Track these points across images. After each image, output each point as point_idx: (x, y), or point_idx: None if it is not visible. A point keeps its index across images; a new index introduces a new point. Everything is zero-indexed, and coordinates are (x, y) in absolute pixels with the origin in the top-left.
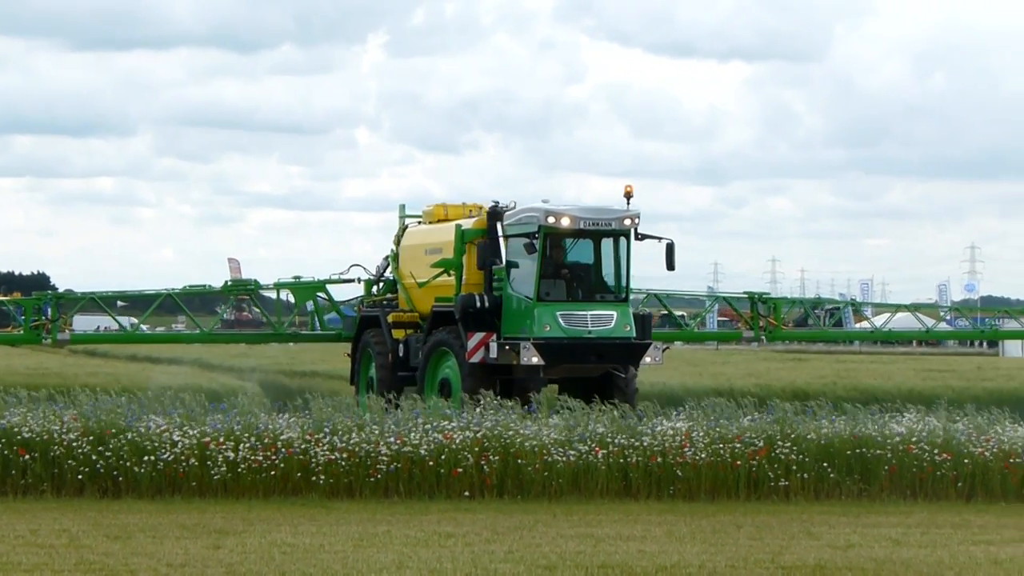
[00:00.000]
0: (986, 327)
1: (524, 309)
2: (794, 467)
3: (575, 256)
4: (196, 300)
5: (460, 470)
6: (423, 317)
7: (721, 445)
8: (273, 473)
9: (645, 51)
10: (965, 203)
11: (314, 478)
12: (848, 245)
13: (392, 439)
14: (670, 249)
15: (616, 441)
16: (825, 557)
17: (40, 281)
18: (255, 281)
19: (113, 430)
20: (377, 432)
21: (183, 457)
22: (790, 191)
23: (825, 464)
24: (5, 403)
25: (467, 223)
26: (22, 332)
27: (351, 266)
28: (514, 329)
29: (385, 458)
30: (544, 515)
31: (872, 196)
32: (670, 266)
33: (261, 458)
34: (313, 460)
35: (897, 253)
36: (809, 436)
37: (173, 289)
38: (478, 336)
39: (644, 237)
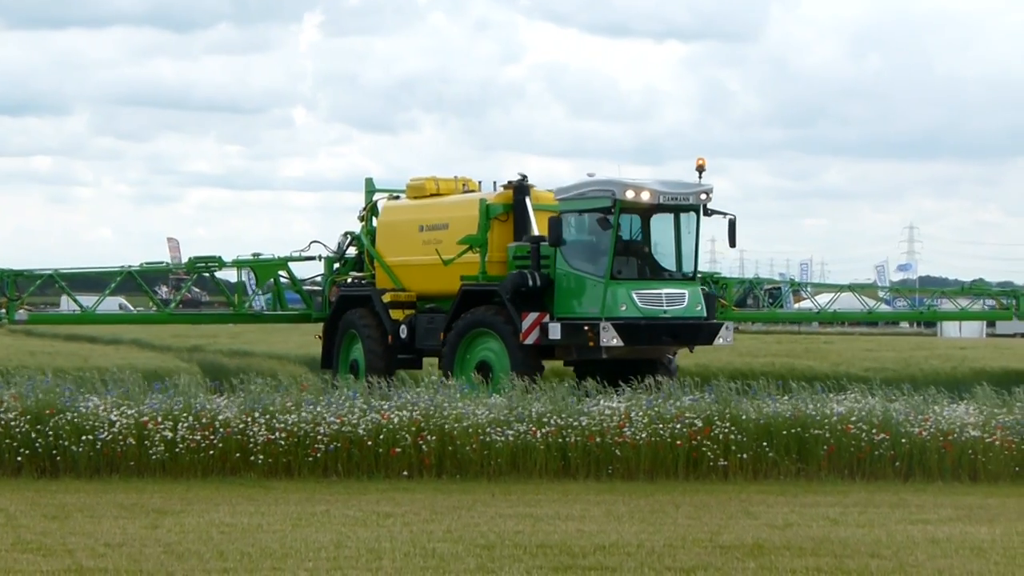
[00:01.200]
0: (924, 308)
1: (592, 288)
2: (733, 447)
3: (644, 232)
4: (133, 281)
5: (399, 450)
6: (420, 297)
7: (660, 425)
8: (211, 453)
9: (581, 31)
10: (902, 183)
11: (252, 458)
12: (786, 225)
13: (331, 419)
14: (732, 225)
15: (554, 421)
16: (763, 536)
17: None
18: (219, 258)
19: (51, 410)
20: (316, 412)
21: (121, 437)
22: (727, 171)
23: (764, 444)
24: None
25: (490, 197)
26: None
27: (311, 242)
28: (569, 309)
29: (324, 438)
30: (482, 495)
31: (809, 176)
32: (732, 242)
33: (199, 438)
34: (251, 440)
35: (835, 233)
36: (749, 416)
37: (132, 266)
38: (532, 316)
39: (711, 212)
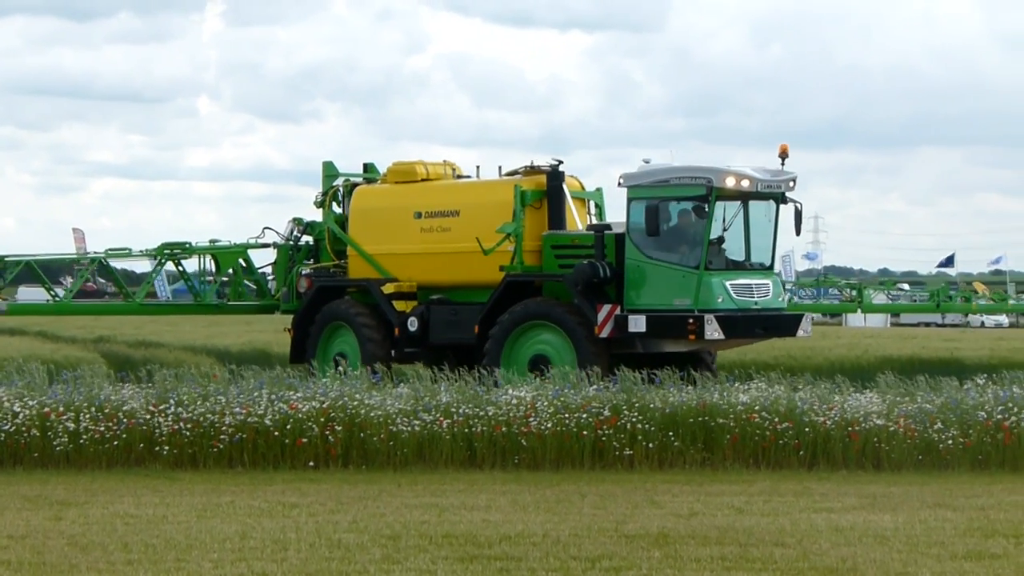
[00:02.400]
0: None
1: (682, 279)
2: (639, 436)
3: (729, 221)
4: (30, 273)
5: (305, 440)
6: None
7: (566, 415)
8: (116, 444)
9: (485, 21)
10: (806, 173)
11: (157, 448)
12: None
13: (238, 409)
14: (799, 213)
15: (461, 411)
16: (668, 525)
17: None
18: (187, 244)
19: None
20: (223, 402)
21: (24, 428)
22: (632, 160)
23: (670, 433)
24: None
25: (523, 183)
26: None
27: (264, 229)
28: (645, 301)
29: (230, 428)
30: (389, 485)
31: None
32: (798, 231)
33: (103, 429)
34: (157, 430)
35: None
36: (655, 405)
37: (98, 254)
38: (606, 308)
39: (787, 201)
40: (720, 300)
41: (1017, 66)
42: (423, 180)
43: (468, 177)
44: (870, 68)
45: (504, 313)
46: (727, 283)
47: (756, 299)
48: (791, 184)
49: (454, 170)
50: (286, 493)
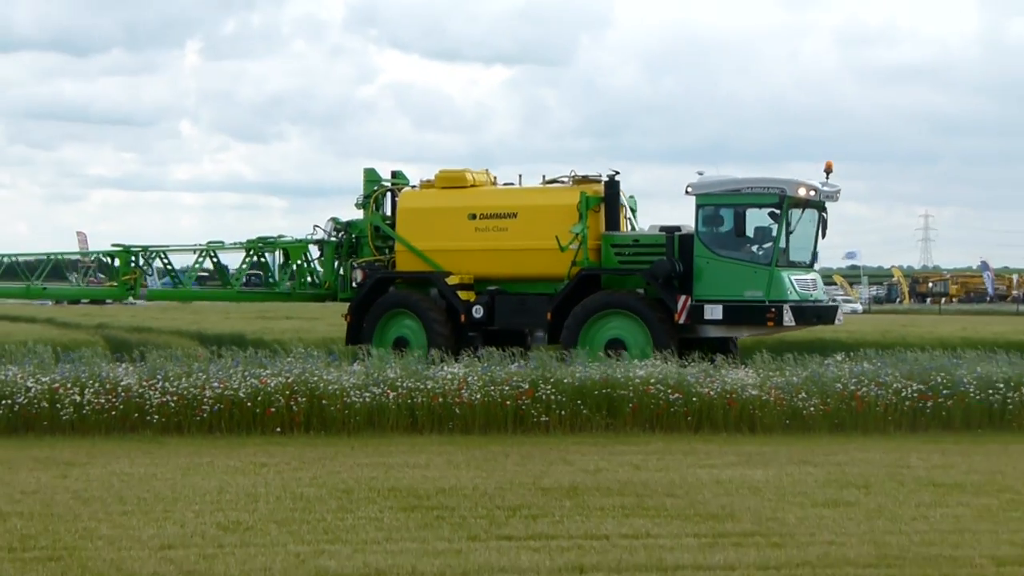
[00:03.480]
0: None
1: (754, 274)
2: (553, 405)
3: (793, 224)
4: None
5: (273, 410)
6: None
7: (492, 387)
8: (114, 413)
9: (422, 56)
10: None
11: (148, 418)
12: None
13: (216, 384)
14: (825, 221)
15: (404, 385)
16: (578, 479)
17: None
18: (275, 238)
19: None
20: (203, 378)
21: (35, 401)
22: (545, 172)
23: (579, 402)
24: None
25: (588, 191)
26: (115, 286)
27: (315, 227)
28: (716, 292)
29: (210, 400)
30: (343, 447)
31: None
32: (824, 234)
33: (103, 401)
34: (148, 402)
35: None
36: (567, 380)
37: (200, 246)
38: (682, 298)
39: (826, 209)
40: (789, 293)
41: (867, 95)
42: (473, 185)
43: (511, 184)
44: (746, 97)
45: (577, 302)
46: (793, 278)
47: (812, 292)
48: (838, 195)
49: (494, 179)
50: (257, 455)
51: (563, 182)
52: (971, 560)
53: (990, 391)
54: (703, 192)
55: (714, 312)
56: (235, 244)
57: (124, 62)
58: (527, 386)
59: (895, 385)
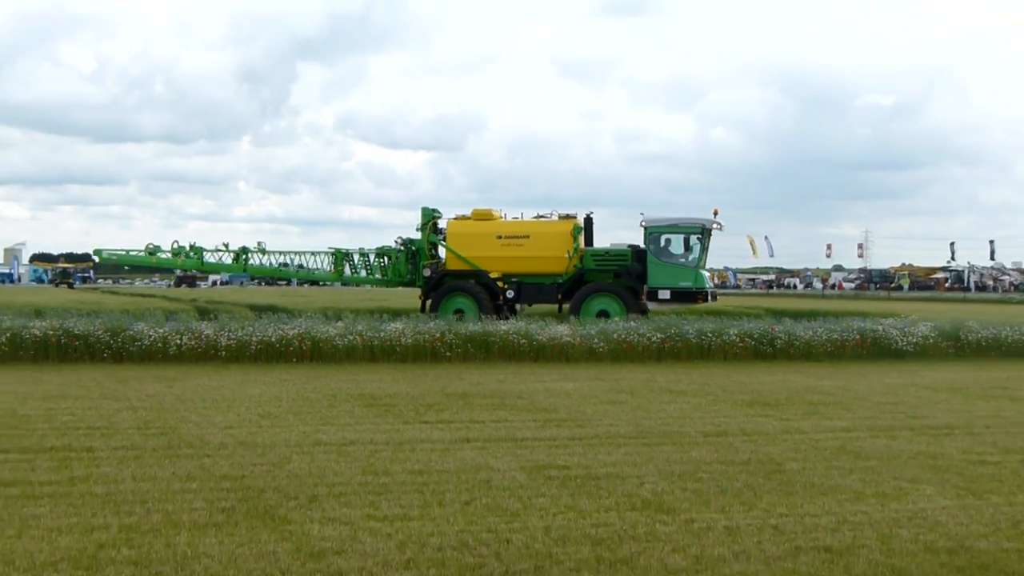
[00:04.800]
0: None
1: (686, 272)
2: (454, 346)
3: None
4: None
5: (291, 348)
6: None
7: (419, 335)
8: (198, 350)
9: (379, 145)
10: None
11: (219, 352)
12: None
13: (258, 334)
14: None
15: (367, 334)
16: (467, 389)
17: None
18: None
19: (120, 329)
20: (251, 330)
21: (155, 342)
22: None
23: (468, 344)
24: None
25: (573, 223)
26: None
27: (396, 240)
28: (662, 283)
29: (255, 342)
30: (332, 371)
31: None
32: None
33: (193, 343)
34: (218, 344)
35: None
36: (462, 331)
37: (350, 249)
38: (645, 287)
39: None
40: (707, 284)
41: (630, 170)
42: (495, 219)
43: (517, 218)
44: (564, 170)
45: (575, 289)
46: (707, 274)
47: (710, 283)
48: (722, 228)
49: (504, 213)
50: (281, 375)
51: (547, 217)
52: (689, 434)
53: (703, 336)
54: (653, 224)
55: (665, 295)
56: (361, 250)
57: (207, 147)
58: (439, 335)
59: (648, 334)
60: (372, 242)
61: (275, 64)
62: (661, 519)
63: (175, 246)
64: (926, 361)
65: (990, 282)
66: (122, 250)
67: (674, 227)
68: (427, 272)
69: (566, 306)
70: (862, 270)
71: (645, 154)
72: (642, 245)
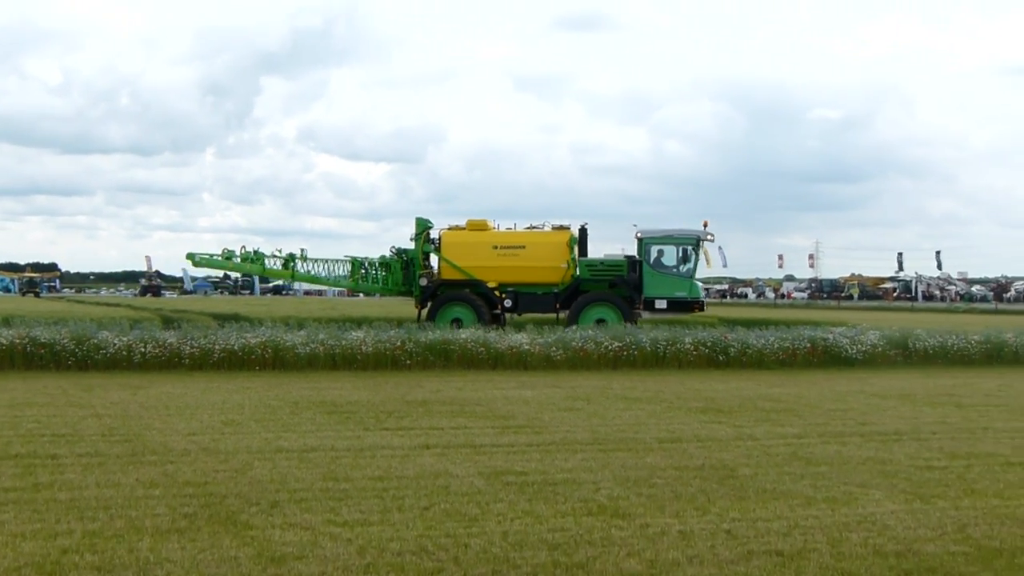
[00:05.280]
0: None
1: (681, 282)
2: (413, 354)
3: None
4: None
5: (254, 356)
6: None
7: (380, 343)
8: (162, 358)
9: (340, 157)
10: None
11: (182, 360)
12: None
13: (221, 341)
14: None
15: (328, 343)
16: (427, 396)
17: None
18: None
19: (85, 337)
20: (213, 338)
21: (119, 350)
22: (407, 227)
23: (428, 352)
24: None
25: (569, 234)
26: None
27: (391, 249)
28: (659, 293)
29: (217, 350)
30: (294, 378)
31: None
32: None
33: (157, 351)
34: (182, 352)
35: None
36: (422, 339)
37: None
38: (640, 296)
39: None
40: (700, 293)
41: (586, 181)
42: (486, 229)
43: (510, 229)
44: (522, 182)
45: (572, 298)
46: (700, 284)
47: (703, 293)
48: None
49: (497, 223)
50: (244, 382)
51: (538, 227)
52: (644, 440)
53: (658, 344)
54: (648, 235)
55: (662, 304)
56: (367, 259)
57: (171, 159)
58: (399, 343)
59: (604, 342)
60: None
61: (239, 78)
62: (617, 524)
63: (243, 251)
64: (875, 369)
65: (937, 292)
66: (207, 254)
67: (669, 238)
68: (423, 282)
69: (563, 315)
70: (813, 280)
71: (601, 166)
72: (635, 255)
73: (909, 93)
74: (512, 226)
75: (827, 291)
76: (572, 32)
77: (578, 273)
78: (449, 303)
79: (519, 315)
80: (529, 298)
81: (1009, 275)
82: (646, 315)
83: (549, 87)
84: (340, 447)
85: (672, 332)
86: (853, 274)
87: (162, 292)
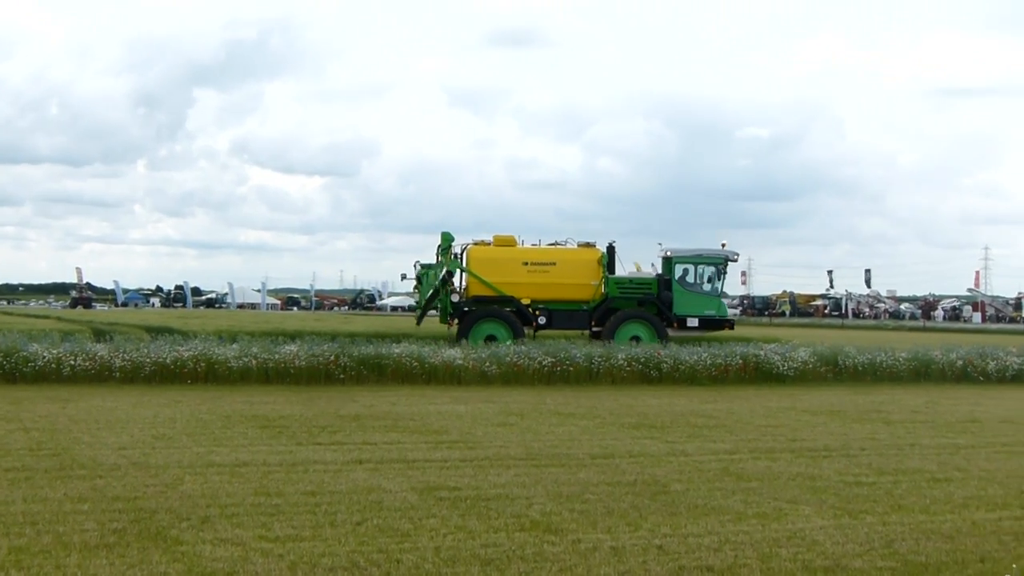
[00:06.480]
0: None
1: (710, 301)
2: (348, 368)
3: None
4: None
5: (186, 369)
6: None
7: (313, 357)
8: (93, 371)
9: (273, 170)
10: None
11: (113, 374)
12: None
13: (152, 354)
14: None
15: (261, 356)
16: (360, 411)
17: None
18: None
19: (14, 350)
20: (146, 351)
21: (49, 363)
22: (343, 240)
23: (362, 366)
24: None
25: (599, 251)
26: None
27: (415, 264)
28: (689, 311)
29: (148, 364)
30: (226, 392)
31: (383, 243)
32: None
33: (87, 364)
34: (112, 365)
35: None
36: (355, 353)
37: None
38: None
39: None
40: (728, 312)
41: (520, 197)
42: (512, 244)
43: (535, 244)
44: (455, 196)
45: (604, 316)
46: (727, 303)
47: (731, 312)
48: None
49: (523, 239)
50: (176, 396)
51: (561, 244)
52: (577, 456)
53: (591, 360)
54: (678, 255)
55: (693, 322)
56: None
57: (102, 170)
58: (333, 357)
59: (538, 357)
60: (267, 266)
61: (171, 89)
62: (549, 539)
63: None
64: (806, 385)
65: (866, 309)
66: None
67: (699, 258)
68: (455, 298)
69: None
70: (745, 296)
71: (535, 182)
72: (660, 274)
73: (839, 113)
74: (537, 242)
75: (759, 308)
76: (506, 48)
77: (607, 291)
78: (482, 319)
79: (535, 331)
80: (563, 315)
81: (937, 293)
82: (674, 333)
83: (484, 102)
84: (272, 462)
85: (606, 348)
86: (784, 291)
87: (93, 304)
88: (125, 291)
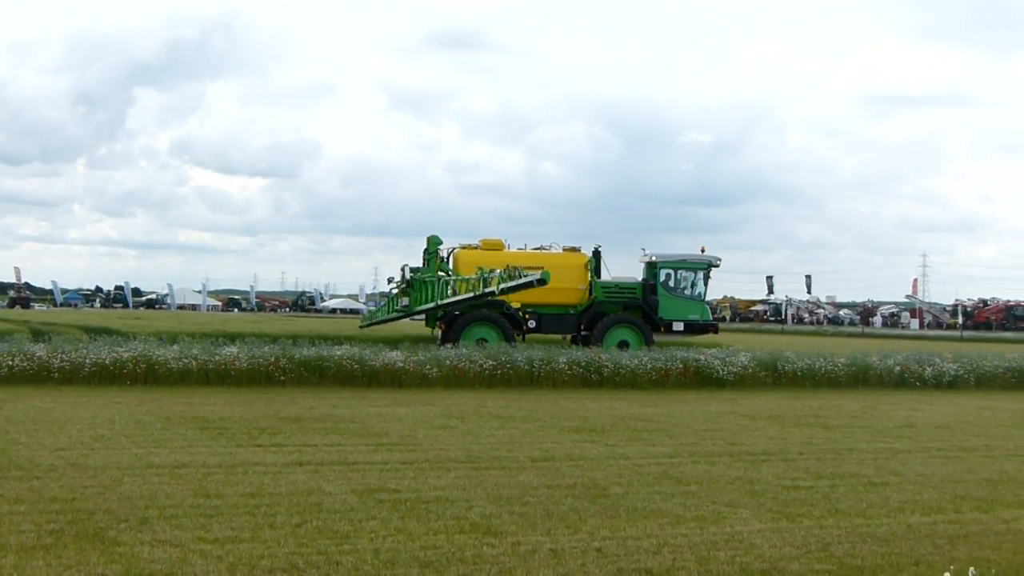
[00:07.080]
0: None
1: (695, 306)
2: (288, 371)
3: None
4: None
5: (126, 370)
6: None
7: (254, 359)
8: (31, 372)
9: (214, 171)
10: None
11: (51, 374)
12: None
13: (92, 355)
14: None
15: (201, 358)
16: (300, 413)
17: None
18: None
19: None
20: (85, 352)
21: None
22: (286, 241)
23: (303, 369)
24: None
25: (586, 256)
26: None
27: (402, 268)
28: (675, 316)
29: (88, 364)
30: (166, 393)
31: (326, 245)
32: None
33: (25, 364)
34: (51, 365)
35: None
36: (297, 356)
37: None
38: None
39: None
40: (712, 316)
41: (463, 201)
42: (500, 248)
43: (521, 248)
44: (398, 198)
45: (593, 320)
46: (709, 308)
47: (712, 315)
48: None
49: (508, 243)
50: (115, 397)
51: (547, 248)
52: (517, 459)
53: (532, 364)
54: (663, 260)
55: (679, 327)
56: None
57: (40, 169)
58: (274, 359)
59: (479, 360)
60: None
61: (111, 88)
62: (488, 542)
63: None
64: (745, 390)
65: (806, 315)
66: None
67: (683, 263)
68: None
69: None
70: None
71: (477, 185)
72: (643, 279)
73: (779, 119)
74: (523, 246)
75: None
76: (449, 50)
77: (594, 295)
78: (473, 323)
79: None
80: (552, 319)
81: (875, 300)
82: (660, 338)
83: (426, 105)
84: (212, 463)
85: (547, 351)
86: (726, 296)
87: (31, 304)
88: (64, 291)
